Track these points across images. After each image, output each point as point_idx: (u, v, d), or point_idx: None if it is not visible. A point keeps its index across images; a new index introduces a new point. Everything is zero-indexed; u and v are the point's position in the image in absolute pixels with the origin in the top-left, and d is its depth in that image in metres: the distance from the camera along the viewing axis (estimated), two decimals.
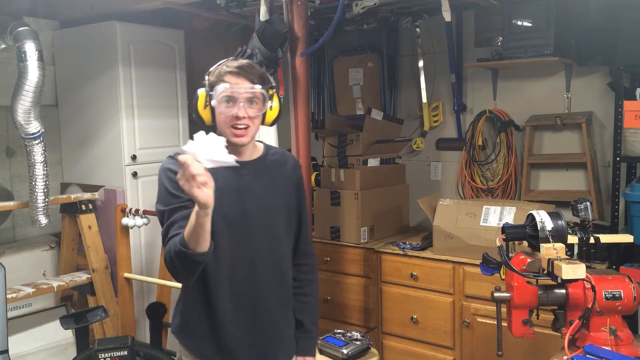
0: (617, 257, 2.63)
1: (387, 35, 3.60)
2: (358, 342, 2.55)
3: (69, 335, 3.21)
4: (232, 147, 1.61)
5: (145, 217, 3.07)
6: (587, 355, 1.45)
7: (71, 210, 3.16)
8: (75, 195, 3.15)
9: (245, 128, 1.65)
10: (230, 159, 1.40)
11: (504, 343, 1.65)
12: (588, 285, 1.53)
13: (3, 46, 3.04)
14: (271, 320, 1.75)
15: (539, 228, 1.59)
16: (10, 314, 2.92)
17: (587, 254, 1.76)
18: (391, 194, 3.47)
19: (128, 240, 3.16)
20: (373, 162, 3.36)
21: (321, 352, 2.56)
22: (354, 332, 2.63)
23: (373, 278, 3.20)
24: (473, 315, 2.86)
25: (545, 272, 1.56)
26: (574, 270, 1.46)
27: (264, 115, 1.73)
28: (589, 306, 1.52)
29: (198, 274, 1.58)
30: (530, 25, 3.01)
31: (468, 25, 3.42)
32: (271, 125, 1.80)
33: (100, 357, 2.54)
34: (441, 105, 3.55)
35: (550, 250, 1.56)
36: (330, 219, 3.32)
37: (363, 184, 3.24)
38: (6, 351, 2.67)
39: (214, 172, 1.58)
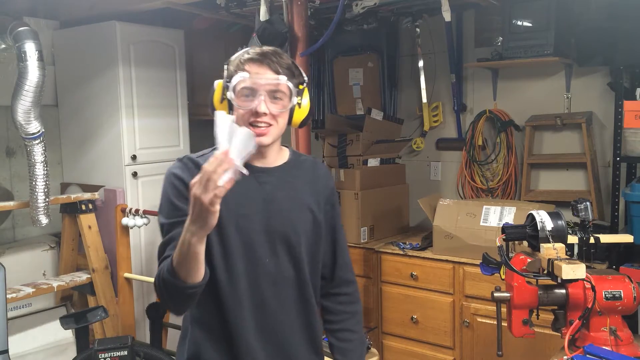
0: (617, 257, 2.63)
1: (387, 35, 3.60)
2: None
3: (69, 335, 3.21)
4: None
5: (145, 217, 3.07)
6: (587, 355, 1.45)
7: (71, 210, 3.16)
8: (75, 195, 3.14)
9: (267, 126, 1.40)
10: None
11: (504, 343, 1.65)
12: (588, 285, 1.53)
13: (3, 46, 3.03)
14: None
15: (539, 228, 1.59)
16: (10, 314, 2.91)
17: (587, 254, 1.76)
18: (391, 194, 3.47)
19: (128, 240, 3.16)
20: (373, 162, 3.36)
21: None
22: None
23: (373, 278, 3.20)
24: (473, 315, 2.86)
25: (545, 272, 1.56)
26: (574, 270, 1.46)
27: (291, 114, 1.46)
28: (589, 306, 1.52)
29: (191, 306, 1.36)
30: (530, 25, 3.01)
31: (468, 25, 3.42)
32: (300, 127, 1.52)
33: (100, 357, 2.54)
34: (441, 105, 3.55)
35: (550, 250, 1.55)
36: None
37: (363, 184, 3.24)
38: (6, 351, 2.67)
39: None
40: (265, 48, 1.45)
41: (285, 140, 2.92)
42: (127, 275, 3.15)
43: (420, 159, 3.70)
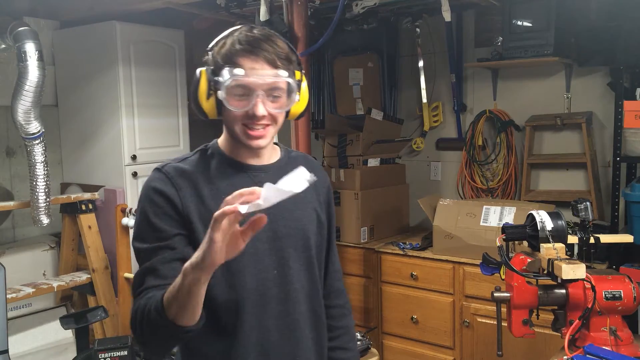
0: (617, 257, 2.62)
1: (387, 35, 3.60)
2: (358, 342, 2.55)
3: (69, 335, 3.21)
4: (243, 150, 1.29)
5: None
6: (587, 355, 1.45)
7: (71, 210, 3.16)
8: (75, 195, 3.15)
9: (264, 127, 1.23)
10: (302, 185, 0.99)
11: (504, 343, 1.65)
12: (588, 285, 1.53)
13: (3, 46, 3.04)
14: None
15: (539, 228, 1.59)
16: (10, 314, 2.92)
17: (587, 254, 1.76)
18: (391, 194, 3.47)
19: (128, 240, 3.16)
20: (373, 162, 3.36)
21: None
22: None
23: (373, 278, 3.20)
24: (473, 315, 2.86)
25: (545, 272, 1.56)
26: (574, 270, 1.46)
27: (289, 109, 1.29)
28: (589, 306, 1.51)
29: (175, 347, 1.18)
30: (530, 25, 3.01)
31: (468, 25, 3.42)
32: (297, 119, 1.36)
33: (100, 357, 2.54)
34: (441, 105, 3.55)
35: (550, 250, 1.55)
36: None
37: (363, 184, 3.24)
38: (6, 351, 2.67)
39: (217, 173, 1.26)
40: (257, 32, 1.22)
41: (285, 140, 2.92)
42: (127, 275, 3.14)
43: (420, 159, 3.70)
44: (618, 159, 2.73)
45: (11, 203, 2.96)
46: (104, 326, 3.17)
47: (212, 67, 1.22)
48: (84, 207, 3.13)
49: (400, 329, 3.11)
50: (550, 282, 1.56)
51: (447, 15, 2.78)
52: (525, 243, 1.67)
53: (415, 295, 3.04)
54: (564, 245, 1.57)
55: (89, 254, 3.13)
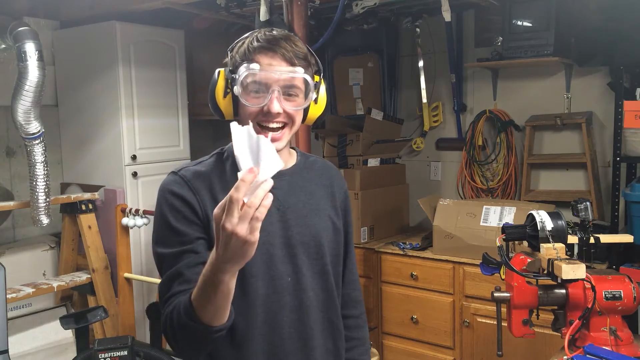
0: (617, 257, 2.62)
1: (387, 35, 3.60)
2: None
3: (69, 335, 3.21)
4: None
5: (145, 217, 3.07)
6: (587, 355, 1.45)
7: (71, 210, 3.16)
8: (75, 195, 3.15)
9: (281, 127, 1.20)
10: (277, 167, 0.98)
11: (504, 343, 1.65)
12: (588, 285, 1.53)
13: (3, 46, 3.04)
14: None
15: (539, 228, 1.58)
16: (10, 314, 2.92)
17: (587, 254, 1.76)
18: (391, 194, 3.47)
19: (128, 240, 3.16)
20: (373, 162, 3.36)
21: None
22: None
23: (373, 278, 3.20)
24: (473, 315, 2.86)
25: (545, 272, 1.55)
26: (574, 270, 1.45)
27: (306, 110, 1.26)
28: (589, 306, 1.51)
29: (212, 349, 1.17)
30: (530, 25, 3.01)
31: (468, 25, 3.42)
32: (315, 125, 1.35)
33: (100, 357, 2.54)
34: (441, 105, 3.55)
35: (550, 250, 1.55)
36: None
37: (363, 184, 3.24)
38: (6, 351, 2.67)
39: (232, 178, 1.10)
40: (277, 32, 1.22)
41: None
42: (127, 275, 3.15)
43: (420, 159, 3.70)
44: (618, 159, 2.73)
45: (11, 203, 2.96)
46: (104, 326, 3.17)
47: (230, 67, 1.22)
48: (84, 207, 3.13)
49: (400, 329, 3.11)
50: (550, 282, 1.56)
51: (447, 15, 2.78)
52: (525, 243, 1.67)
53: (415, 295, 3.04)
54: (564, 245, 1.57)
55: (89, 254, 3.13)
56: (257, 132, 1.11)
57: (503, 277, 1.70)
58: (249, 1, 2.91)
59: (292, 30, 2.58)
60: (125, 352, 2.55)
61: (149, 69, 3.31)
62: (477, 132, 3.33)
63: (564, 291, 1.59)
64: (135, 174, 3.27)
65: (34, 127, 2.75)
